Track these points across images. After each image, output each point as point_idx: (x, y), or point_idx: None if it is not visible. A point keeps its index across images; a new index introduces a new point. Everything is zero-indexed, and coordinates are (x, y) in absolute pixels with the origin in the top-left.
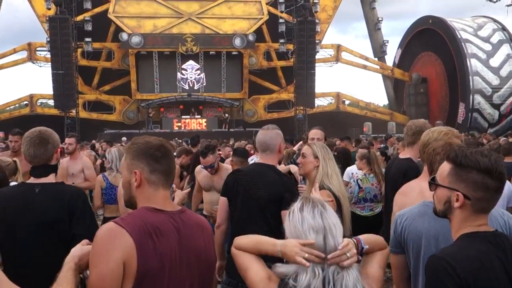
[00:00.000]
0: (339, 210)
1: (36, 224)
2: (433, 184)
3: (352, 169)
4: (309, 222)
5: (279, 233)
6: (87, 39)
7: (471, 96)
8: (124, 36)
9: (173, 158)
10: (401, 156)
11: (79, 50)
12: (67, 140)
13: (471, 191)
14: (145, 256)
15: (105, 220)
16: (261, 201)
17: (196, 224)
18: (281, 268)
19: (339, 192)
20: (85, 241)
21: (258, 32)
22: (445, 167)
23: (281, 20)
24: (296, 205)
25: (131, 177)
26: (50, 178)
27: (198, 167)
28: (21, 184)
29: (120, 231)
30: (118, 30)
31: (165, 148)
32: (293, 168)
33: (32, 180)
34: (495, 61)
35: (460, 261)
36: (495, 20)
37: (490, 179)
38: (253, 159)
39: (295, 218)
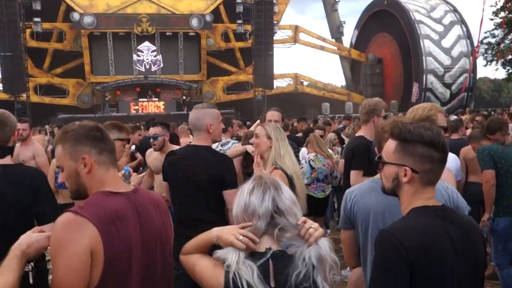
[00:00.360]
0: (292, 189)
1: None
2: (380, 162)
3: (304, 151)
4: (254, 206)
5: (222, 213)
6: (36, 19)
7: (424, 76)
8: (76, 16)
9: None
10: (356, 134)
11: (28, 30)
12: (20, 125)
13: (418, 164)
14: (110, 243)
15: (60, 207)
16: (201, 183)
17: (151, 201)
18: (217, 253)
19: (292, 172)
20: (36, 228)
21: (216, 12)
22: (390, 144)
23: (238, 1)
24: (247, 186)
25: (77, 165)
26: (7, 160)
27: (149, 150)
28: None
29: (82, 220)
30: (69, 9)
31: (102, 128)
32: (250, 148)
33: None
34: (446, 42)
35: (408, 236)
36: (447, 2)
37: (434, 151)
38: (232, 143)
39: (242, 200)
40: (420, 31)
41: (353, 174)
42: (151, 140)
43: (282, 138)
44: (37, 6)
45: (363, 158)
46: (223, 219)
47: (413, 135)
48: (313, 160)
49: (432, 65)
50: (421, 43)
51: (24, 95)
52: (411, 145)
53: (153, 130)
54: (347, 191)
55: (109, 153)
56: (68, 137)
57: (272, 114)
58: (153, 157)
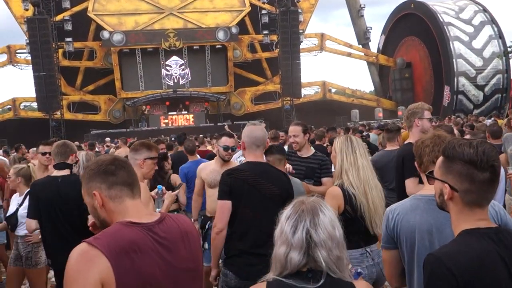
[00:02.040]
0: (353, 209)
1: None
2: (430, 177)
3: None
4: (286, 236)
5: None
6: (68, 39)
7: (455, 79)
8: (106, 34)
9: (131, 168)
10: (405, 141)
11: (60, 50)
12: (48, 148)
13: (457, 183)
14: (123, 277)
15: None
16: (276, 198)
17: (179, 232)
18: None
19: (355, 187)
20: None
21: (241, 24)
22: (438, 160)
23: (263, 11)
24: (285, 211)
25: (93, 201)
26: (66, 172)
27: (203, 164)
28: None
29: (94, 252)
30: (99, 28)
31: (118, 160)
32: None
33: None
34: (477, 43)
35: (457, 261)
36: (476, 2)
37: (475, 170)
38: (239, 157)
39: (279, 225)
40: (450, 33)
41: (409, 182)
42: (222, 150)
43: (347, 150)
44: (69, 26)
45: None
46: None
47: (455, 151)
48: None
49: (463, 67)
50: (451, 45)
51: (58, 113)
52: (452, 162)
53: (224, 141)
54: (388, 209)
55: (121, 185)
56: (84, 174)
57: (293, 130)
58: (210, 170)
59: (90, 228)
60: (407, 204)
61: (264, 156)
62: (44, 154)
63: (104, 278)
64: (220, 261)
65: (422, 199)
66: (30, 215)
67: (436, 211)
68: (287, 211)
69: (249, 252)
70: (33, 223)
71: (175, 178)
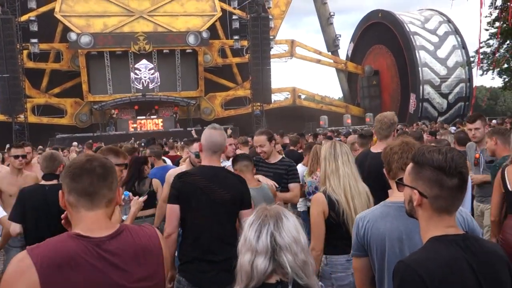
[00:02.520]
0: (337, 214)
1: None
2: (399, 183)
3: (302, 169)
4: (250, 242)
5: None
6: (33, 40)
7: (421, 87)
8: (73, 36)
9: (105, 172)
10: (374, 150)
11: (25, 51)
12: (16, 150)
13: (427, 189)
14: None
15: None
16: (227, 203)
17: (133, 248)
18: None
19: (341, 194)
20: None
21: (212, 29)
22: (408, 166)
23: (234, 17)
24: (249, 218)
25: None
26: (54, 182)
27: (172, 170)
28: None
29: (27, 263)
30: (66, 30)
31: (91, 163)
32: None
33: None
34: (442, 52)
35: (427, 268)
36: (440, 13)
37: (444, 176)
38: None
39: (243, 234)
40: (416, 42)
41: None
42: (194, 157)
43: (331, 157)
44: (34, 27)
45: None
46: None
47: (425, 158)
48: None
49: (428, 75)
50: (417, 54)
51: (22, 116)
52: (421, 168)
53: (196, 147)
54: (358, 216)
55: (78, 195)
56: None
57: (257, 140)
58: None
59: (63, 221)
60: (377, 211)
61: (220, 161)
62: (16, 157)
63: None
64: None
65: (392, 206)
66: (15, 219)
67: (406, 218)
68: (250, 218)
69: (201, 259)
70: (18, 227)
71: (157, 184)
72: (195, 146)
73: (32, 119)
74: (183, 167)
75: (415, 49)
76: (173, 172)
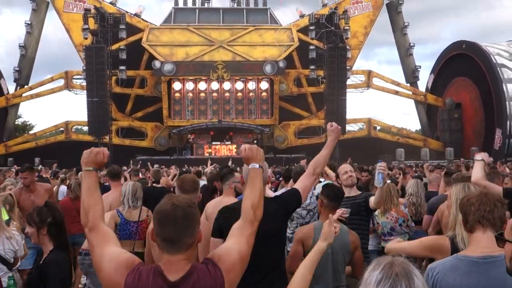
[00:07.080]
0: None
1: None
2: (500, 239)
3: None
4: None
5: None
6: (122, 67)
7: (508, 122)
8: (157, 64)
9: (187, 224)
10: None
11: (114, 78)
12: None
13: None
14: None
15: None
16: (266, 235)
17: None
18: None
19: (466, 244)
20: None
21: (289, 58)
22: (510, 220)
23: (311, 47)
24: (374, 273)
25: None
26: None
27: (209, 205)
28: None
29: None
30: (151, 58)
31: (175, 212)
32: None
33: None
34: None
35: None
36: None
37: None
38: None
39: None
40: (503, 75)
41: None
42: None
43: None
44: (123, 55)
45: None
46: None
47: None
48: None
49: None
50: (504, 87)
51: (107, 137)
52: None
53: (238, 177)
54: (429, 266)
55: (162, 240)
56: None
57: (345, 167)
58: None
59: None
60: (448, 263)
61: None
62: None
63: None
64: None
65: (464, 260)
66: None
67: (476, 276)
68: (374, 273)
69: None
70: None
71: None
72: (238, 176)
73: (116, 140)
74: (218, 200)
75: (502, 82)
76: (212, 206)
